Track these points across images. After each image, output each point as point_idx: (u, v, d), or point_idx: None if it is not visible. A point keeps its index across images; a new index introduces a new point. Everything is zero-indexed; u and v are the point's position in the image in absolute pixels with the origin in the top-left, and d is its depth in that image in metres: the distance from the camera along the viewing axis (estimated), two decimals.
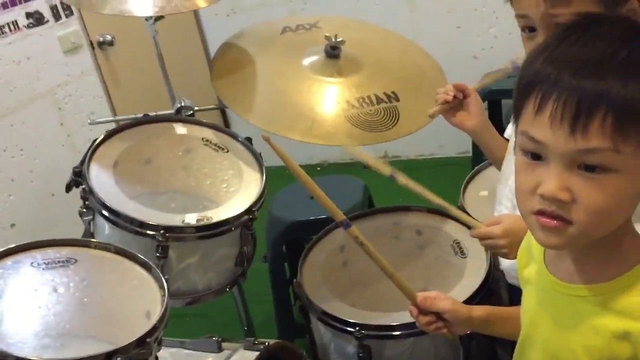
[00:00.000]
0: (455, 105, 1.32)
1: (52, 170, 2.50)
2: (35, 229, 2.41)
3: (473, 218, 1.36)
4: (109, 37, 2.74)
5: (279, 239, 2.15)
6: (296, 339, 2.01)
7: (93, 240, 1.27)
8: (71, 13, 2.58)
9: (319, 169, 3.49)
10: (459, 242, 1.61)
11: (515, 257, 1.12)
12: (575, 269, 0.83)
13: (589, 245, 0.80)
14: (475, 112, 1.32)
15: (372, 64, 1.66)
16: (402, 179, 1.25)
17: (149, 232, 1.34)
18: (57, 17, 2.54)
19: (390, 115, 1.58)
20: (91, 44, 2.71)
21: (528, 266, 0.96)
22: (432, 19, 3.06)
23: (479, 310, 1.09)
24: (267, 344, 1.47)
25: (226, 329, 2.14)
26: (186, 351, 1.48)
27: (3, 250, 1.15)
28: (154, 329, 1.10)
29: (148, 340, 1.08)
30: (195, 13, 3.34)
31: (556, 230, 0.76)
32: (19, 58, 2.43)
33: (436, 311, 1.08)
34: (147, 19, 1.65)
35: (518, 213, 1.17)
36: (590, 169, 0.72)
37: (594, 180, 0.72)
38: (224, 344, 1.49)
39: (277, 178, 3.51)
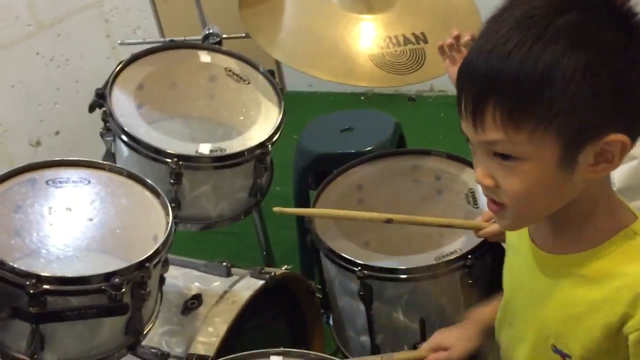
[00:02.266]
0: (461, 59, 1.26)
1: (97, 82, 2.54)
2: (78, 137, 2.51)
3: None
4: None
5: (306, 169, 2.17)
6: (317, 268, 2.08)
7: (106, 162, 1.32)
8: None
9: (362, 98, 3.46)
10: (473, 192, 1.59)
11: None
12: (553, 239, 0.85)
13: (561, 217, 0.81)
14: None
15: (404, 2, 1.61)
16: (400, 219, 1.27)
17: (164, 158, 1.38)
18: None
19: (416, 58, 1.54)
20: None
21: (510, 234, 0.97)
22: None
23: (479, 331, 1.13)
24: (273, 273, 1.53)
25: (252, 251, 2.22)
26: (197, 273, 1.56)
27: (20, 168, 1.22)
28: (154, 254, 1.16)
29: (147, 264, 1.14)
30: None
31: (499, 213, 0.81)
32: None
33: None
34: None
35: None
36: (503, 157, 0.75)
37: (509, 167, 0.75)
38: (233, 270, 1.56)
39: (316, 103, 3.51)
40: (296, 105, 3.62)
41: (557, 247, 0.84)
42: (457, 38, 1.27)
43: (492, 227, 1.23)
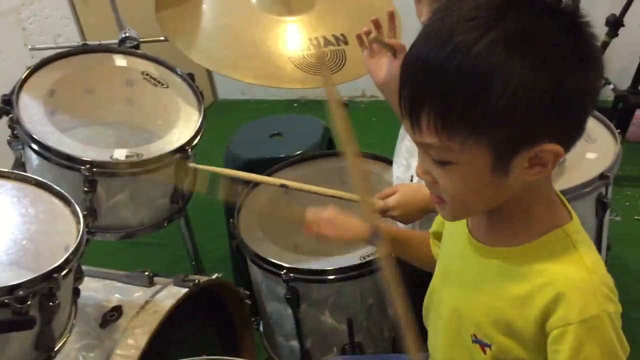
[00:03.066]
0: (381, 51, 1.24)
1: None
2: None
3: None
4: None
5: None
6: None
7: (11, 171, 1.25)
8: None
9: (295, 105, 3.45)
10: None
11: (409, 223, 1.15)
12: (488, 231, 0.86)
13: (497, 211, 0.82)
14: (393, 70, 1.23)
15: (324, 3, 1.61)
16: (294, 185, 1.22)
17: (76, 166, 1.33)
18: None
19: (337, 58, 1.54)
20: None
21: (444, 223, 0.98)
22: None
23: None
24: (197, 280, 1.49)
25: (184, 262, 2.17)
26: (118, 284, 1.50)
27: None
28: (63, 265, 1.10)
29: (55, 275, 1.08)
30: None
31: (440, 206, 0.83)
32: None
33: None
34: None
35: (412, 172, 1.17)
36: (440, 162, 0.76)
37: (444, 171, 0.76)
38: (156, 279, 1.51)
39: (249, 111, 3.47)
40: (229, 113, 3.59)
41: (492, 239, 0.85)
42: (376, 24, 1.24)
43: (382, 203, 1.25)
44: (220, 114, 3.30)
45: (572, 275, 0.77)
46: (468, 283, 0.88)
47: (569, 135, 0.75)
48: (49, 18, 2.62)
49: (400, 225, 1.32)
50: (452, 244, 0.96)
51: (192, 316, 1.54)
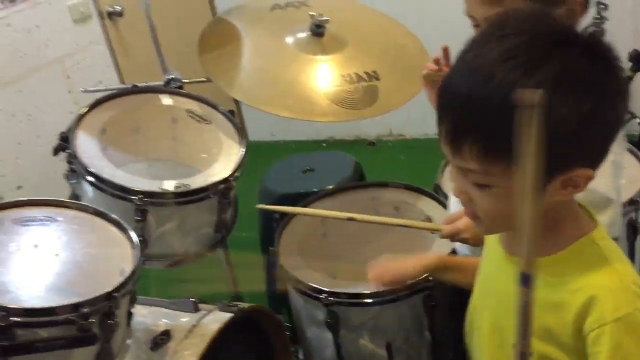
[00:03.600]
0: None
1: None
2: (40, 191, 2.51)
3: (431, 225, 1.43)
4: (118, 8, 2.80)
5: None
6: (284, 307, 2.10)
7: (71, 201, 1.35)
8: None
9: (324, 145, 3.55)
10: (430, 219, 1.66)
11: (479, 245, 1.20)
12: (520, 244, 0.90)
13: None
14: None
15: (356, 42, 1.71)
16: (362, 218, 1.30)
17: (129, 196, 1.42)
18: None
19: (369, 94, 1.62)
20: (100, 14, 2.78)
21: (487, 240, 1.02)
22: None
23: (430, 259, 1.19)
24: (241, 306, 1.56)
25: (222, 297, 2.23)
26: (165, 310, 1.57)
27: None
28: (122, 285, 1.18)
29: (116, 295, 1.16)
30: None
31: (476, 222, 0.87)
32: (29, 26, 2.50)
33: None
34: None
35: None
36: (479, 185, 0.81)
37: (481, 193, 0.81)
38: (201, 305, 1.58)
39: (279, 151, 3.59)
40: (259, 154, 3.69)
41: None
42: (436, 61, 1.29)
43: (451, 228, 1.27)
44: (251, 155, 3.40)
45: (601, 278, 0.81)
46: (505, 296, 0.90)
47: (598, 158, 0.81)
48: (91, 66, 2.77)
49: (465, 251, 1.36)
50: (488, 261, 1.00)
51: (234, 342, 1.59)
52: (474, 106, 0.76)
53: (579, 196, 1.03)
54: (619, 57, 0.79)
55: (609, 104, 0.77)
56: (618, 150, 1.10)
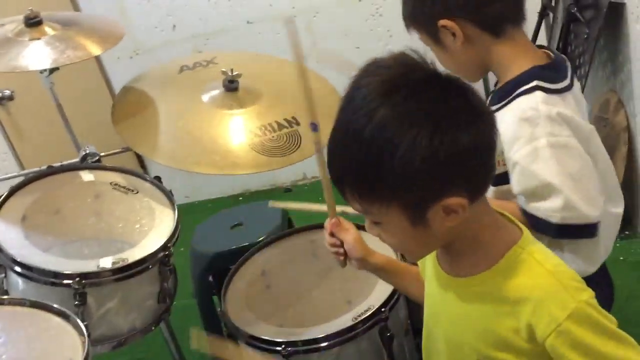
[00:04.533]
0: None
1: None
2: None
3: None
4: (7, 92, 2.68)
5: (203, 272, 2.16)
6: None
7: (5, 297, 1.26)
8: None
9: (241, 198, 3.53)
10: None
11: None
12: (455, 265, 0.94)
13: (452, 248, 0.92)
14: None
15: (270, 92, 1.74)
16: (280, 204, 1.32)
17: (64, 281, 1.35)
18: None
19: (293, 139, 1.65)
20: None
21: (425, 269, 1.05)
22: (330, 43, 3.19)
23: (378, 258, 1.19)
24: None
25: None
26: None
27: None
28: None
29: None
30: (97, 58, 3.33)
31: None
32: None
33: (340, 239, 1.19)
34: (41, 71, 1.66)
35: None
36: (373, 222, 0.89)
37: (379, 229, 0.89)
38: None
39: (195, 213, 3.52)
40: None
41: (460, 270, 0.93)
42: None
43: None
44: None
45: (540, 283, 0.85)
46: (455, 315, 0.95)
47: (473, 186, 0.85)
48: None
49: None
50: (430, 284, 1.03)
51: None
52: (339, 154, 0.84)
53: (521, 185, 1.10)
54: (467, 88, 0.84)
55: (463, 133, 0.80)
56: (565, 132, 1.12)
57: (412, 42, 1.16)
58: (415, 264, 1.13)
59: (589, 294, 0.85)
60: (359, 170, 0.82)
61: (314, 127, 1.14)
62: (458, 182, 0.82)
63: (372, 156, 0.80)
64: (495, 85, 1.27)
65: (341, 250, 1.20)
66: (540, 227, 1.12)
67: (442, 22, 1.16)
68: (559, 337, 0.83)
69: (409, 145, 0.78)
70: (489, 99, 1.25)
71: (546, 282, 0.85)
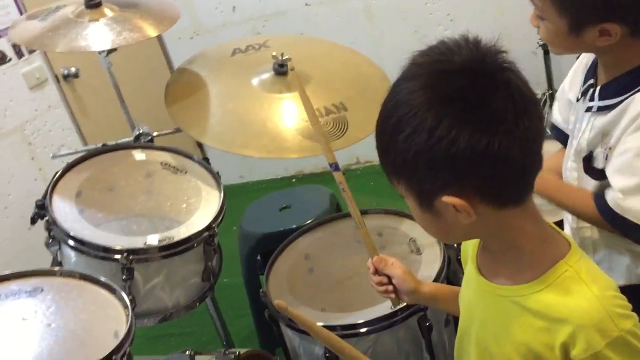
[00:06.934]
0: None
1: (26, 205, 2.55)
2: (12, 262, 2.45)
3: None
4: (73, 70, 2.80)
5: (251, 252, 2.20)
6: (277, 348, 2.08)
7: (57, 268, 1.33)
8: (33, 49, 2.64)
9: (294, 180, 3.56)
10: (414, 240, 1.68)
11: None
12: (497, 270, 0.91)
13: (491, 249, 0.90)
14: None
15: (319, 77, 1.74)
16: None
17: (113, 256, 1.40)
18: (20, 54, 2.60)
19: (339, 125, 1.65)
20: (56, 77, 2.76)
21: (466, 264, 1.03)
22: (390, 27, 3.15)
23: (427, 287, 1.17)
24: (237, 353, 1.54)
25: (211, 345, 2.20)
26: None
27: None
28: (118, 348, 1.16)
29: (114, 358, 1.14)
30: (159, 39, 3.41)
31: None
32: None
33: (387, 274, 1.18)
34: (99, 52, 1.72)
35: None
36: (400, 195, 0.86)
37: (407, 203, 0.87)
38: (197, 357, 1.55)
39: (248, 193, 3.59)
40: (230, 198, 3.69)
41: (500, 278, 0.90)
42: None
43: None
44: None
45: (583, 305, 0.80)
46: (491, 322, 0.92)
47: (489, 191, 0.80)
48: (52, 130, 2.74)
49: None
50: (468, 285, 1.00)
51: None
52: (381, 142, 0.83)
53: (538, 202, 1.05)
54: (513, 88, 0.78)
55: (453, 135, 0.76)
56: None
57: (472, 27, 1.14)
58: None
59: (633, 322, 0.81)
60: (378, 141, 0.83)
61: (335, 167, 1.16)
62: (461, 183, 0.79)
63: (385, 132, 0.81)
64: (594, 79, 1.21)
65: (390, 287, 1.18)
66: (623, 227, 1.08)
67: None
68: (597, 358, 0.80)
69: (409, 134, 0.77)
70: (597, 92, 1.17)
71: (590, 307, 0.80)
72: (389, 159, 0.82)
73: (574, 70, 1.29)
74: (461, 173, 0.78)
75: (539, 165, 0.83)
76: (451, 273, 1.60)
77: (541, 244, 0.86)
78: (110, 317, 1.25)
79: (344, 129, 1.65)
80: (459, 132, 0.75)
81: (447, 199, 0.79)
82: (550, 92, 2.81)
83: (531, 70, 0.83)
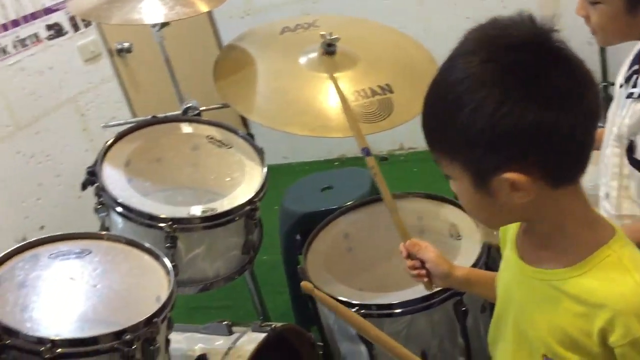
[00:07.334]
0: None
1: (77, 174, 2.63)
2: (63, 229, 2.54)
3: None
4: (126, 44, 2.86)
5: (291, 230, 2.23)
6: (313, 326, 2.11)
7: (104, 233, 1.38)
8: (89, 23, 2.71)
9: (336, 163, 3.57)
10: (455, 225, 1.67)
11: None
12: (539, 254, 0.90)
13: (535, 232, 0.88)
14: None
15: (367, 58, 1.74)
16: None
17: (158, 224, 1.44)
18: (76, 27, 2.68)
19: (384, 107, 1.65)
20: (110, 51, 2.84)
21: (505, 247, 1.03)
22: (440, 12, 3.12)
23: (461, 271, 1.16)
24: (274, 326, 1.57)
25: (248, 319, 2.24)
26: (199, 335, 1.59)
27: (23, 245, 1.27)
28: (160, 310, 1.20)
29: (155, 320, 1.18)
30: (210, 16, 3.45)
31: None
32: (42, 69, 2.56)
33: (420, 259, 1.17)
34: (152, 26, 1.75)
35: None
36: (445, 176, 0.85)
37: (452, 184, 0.86)
38: (234, 328, 1.59)
39: (291, 174, 3.63)
40: (273, 178, 3.73)
41: (541, 261, 0.89)
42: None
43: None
44: None
45: (623, 291, 0.79)
46: (528, 305, 0.91)
47: (550, 168, 0.79)
48: (104, 103, 2.82)
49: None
50: (507, 269, 0.99)
51: None
52: (424, 102, 0.81)
53: None
54: (574, 63, 0.77)
55: (521, 109, 0.75)
56: None
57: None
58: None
59: None
60: (431, 120, 0.81)
61: (367, 152, 1.15)
62: (524, 159, 0.77)
63: (441, 109, 0.79)
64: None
65: (423, 271, 1.18)
66: None
67: None
68: (633, 348, 0.79)
69: (473, 110, 0.75)
70: None
71: (631, 294, 0.79)
72: (445, 137, 0.80)
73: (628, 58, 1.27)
74: (525, 149, 0.77)
75: (593, 145, 0.82)
76: (491, 260, 1.59)
77: (586, 228, 0.85)
78: (153, 282, 1.29)
79: (388, 110, 1.65)
80: (526, 107, 0.74)
81: (509, 175, 0.77)
82: (605, 84, 2.74)
83: (586, 61, 0.81)
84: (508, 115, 0.75)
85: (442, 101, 0.79)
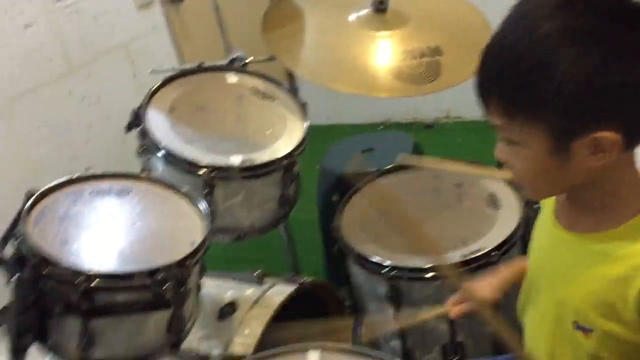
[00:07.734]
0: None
1: (124, 118, 2.68)
2: (107, 167, 2.60)
3: None
4: None
5: (328, 190, 2.24)
6: (342, 287, 2.12)
7: (144, 174, 1.40)
8: None
9: (380, 127, 3.54)
10: (493, 195, 1.65)
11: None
12: (577, 218, 0.89)
13: (584, 197, 0.86)
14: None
15: (418, 18, 1.70)
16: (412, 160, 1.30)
17: (197, 171, 1.46)
18: None
19: (432, 69, 1.62)
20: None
21: (542, 212, 1.01)
22: None
23: (506, 286, 1.19)
24: (303, 281, 1.59)
25: (277, 260, 2.26)
26: (231, 282, 1.62)
27: (66, 180, 1.30)
28: (193, 253, 1.22)
29: (188, 262, 1.20)
30: None
31: (520, 187, 0.90)
32: (96, 13, 2.59)
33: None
34: None
35: None
36: (508, 141, 0.82)
37: (512, 151, 0.82)
38: (265, 278, 1.62)
39: (334, 136, 3.61)
40: (316, 137, 3.72)
41: (582, 226, 0.88)
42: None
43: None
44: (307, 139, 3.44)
45: None
46: (563, 271, 0.90)
47: (633, 129, 0.78)
48: (154, 51, 2.85)
49: None
50: (541, 235, 0.99)
51: (295, 316, 1.63)
52: (497, 55, 0.78)
53: None
54: None
55: (622, 64, 0.73)
56: None
57: None
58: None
59: None
60: (508, 84, 0.77)
61: None
62: (616, 118, 0.76)
63: (524, 71, 0.75)
64: None
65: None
66: None
67: None
68: None
69: (568, 66, 0.73)
70: None
71: None
72: (530, 98, 0.76)
73: None
74: (618, 107, 0.76)
75: None
76: (528, 233, 1.56)
77: (633, 191, 0.84)
78: (188, 226, 1.31)
79: (436, 73, 1.62)
80: (622, 63, 0.73)
81: (603, 134, 0.76)
82: None
83: None
84: (606, 72, 0.73)
85: (525, 62, 0.75)
